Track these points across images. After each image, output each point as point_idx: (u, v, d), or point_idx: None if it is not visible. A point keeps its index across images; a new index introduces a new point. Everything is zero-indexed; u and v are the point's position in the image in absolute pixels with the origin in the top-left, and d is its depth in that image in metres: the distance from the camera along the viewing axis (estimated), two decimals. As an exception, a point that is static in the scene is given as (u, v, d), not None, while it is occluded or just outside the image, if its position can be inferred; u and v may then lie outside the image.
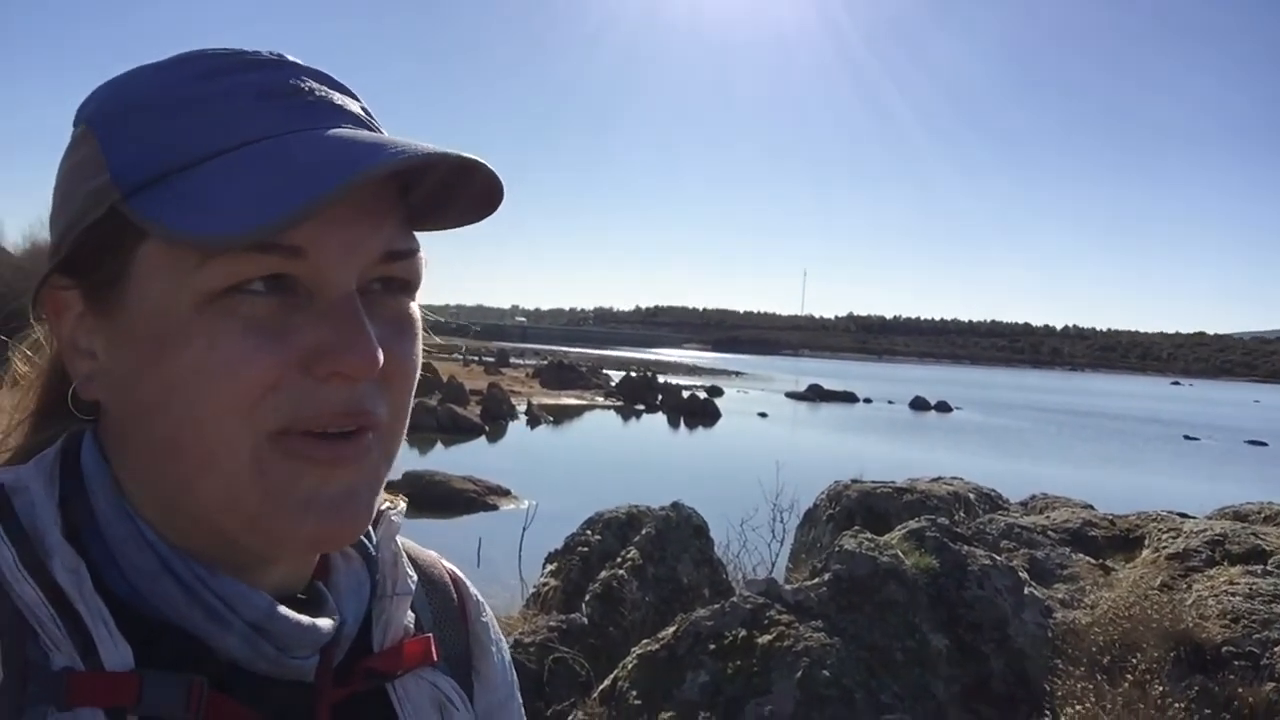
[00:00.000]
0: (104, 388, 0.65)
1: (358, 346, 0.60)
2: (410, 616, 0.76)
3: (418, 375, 0.68)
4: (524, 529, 8.33)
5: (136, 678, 0.59)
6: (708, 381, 56.08)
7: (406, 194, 0.66)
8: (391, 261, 0.64)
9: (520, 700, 0.89)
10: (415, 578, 0.78)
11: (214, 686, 0.61)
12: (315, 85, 0.66)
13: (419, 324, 0.68)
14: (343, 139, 0.61)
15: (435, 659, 0.76)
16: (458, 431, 25.70)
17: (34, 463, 0.66)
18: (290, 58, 0.67)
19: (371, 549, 0.75)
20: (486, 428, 27.76)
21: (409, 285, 0.66)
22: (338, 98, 0.66)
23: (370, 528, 0.75)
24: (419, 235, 0.68)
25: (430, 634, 0.77)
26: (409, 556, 0.80)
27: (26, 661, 0.58)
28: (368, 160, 0.57)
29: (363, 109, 0.68)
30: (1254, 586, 5.11)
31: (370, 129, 0.66)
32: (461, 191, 0.65)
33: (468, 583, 0.89)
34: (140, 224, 0.59)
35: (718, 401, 39.53)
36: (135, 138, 0.62)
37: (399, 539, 0.78)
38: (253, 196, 0.56)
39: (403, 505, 0.79)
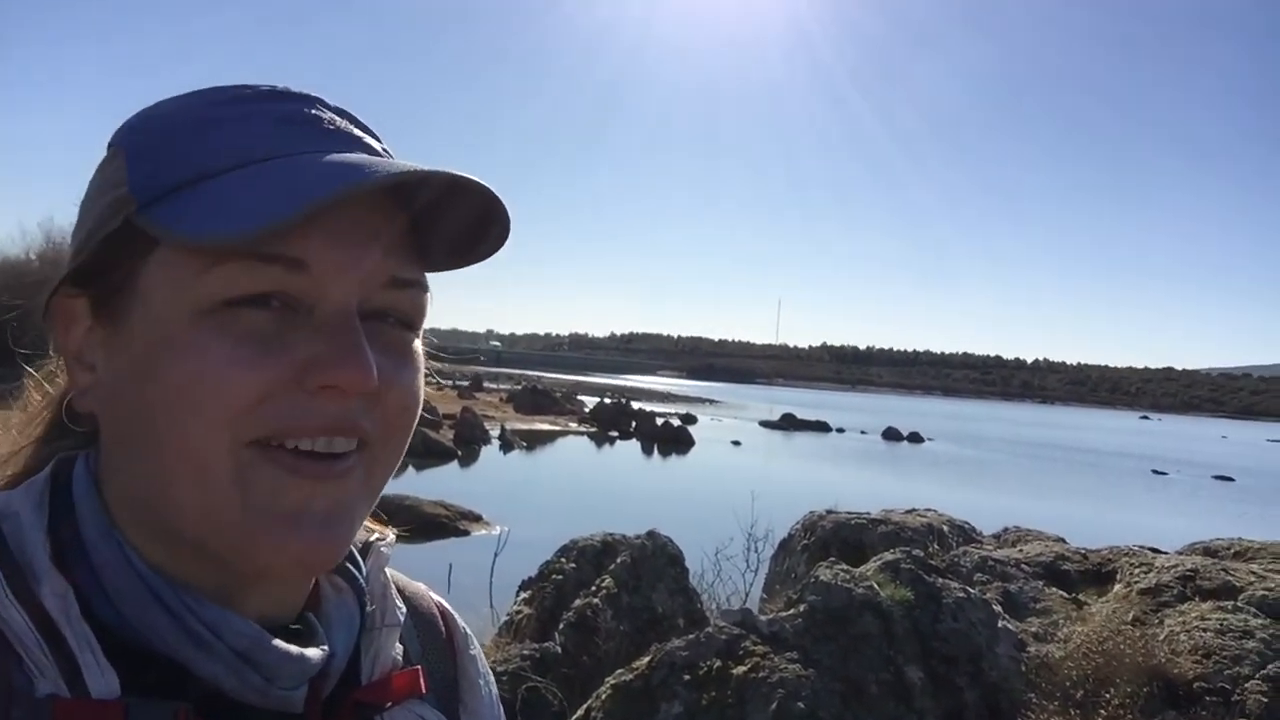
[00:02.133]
0: (98, 399, 0.66)
1: (351, 360, 0.60)
2: (399, 648, 0.76)
3: (418, 410, 0.68)
4: (495, 555, 8.26)
5: (122, 705, 0.58)
6: (682, 409, 56.14)
7: (418, 229, 0.67)
8: (396, 290, 0.65)
9: None
10: (404, 610, 0.77)
11: (200, 716, 0.60)
12: (335, 117, 0.68)
13: (420, 360, 0.68)
14: (350, 157, 0.62)
15: (424, 691, 0.76)
16: (430, 455, 25.51)
17: (24, 488, 0.66)
18: (317, 95, 0.69)
19: (361, 580, 0.75)
20: (459, 452, 27.57)
21: (410, 321, 0.67)
22: (357, 131, 0.68)
23: (360, 558, 0.76)
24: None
25: (419, 666, 0.77)
26: (397, 588, 0.80)
27: (11, 688, 0.57)
28: (370, 171, 0.58)
29: (383, 148, 0.69)
30: (1225, 622, 5.15)
31: None
32: (468, 224, 0.66)
33: (456, 616, 0.88)
34: (149, 231, 0.60)
35: (692, 429, 39.50)
36: (155, 153, 0.63)
37: (388, 570, 0.78)
38: (254, 204, 0.57)
39: (391, 537, 0.79)
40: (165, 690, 0.60)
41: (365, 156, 0.63)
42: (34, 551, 0.61)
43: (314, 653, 0.66)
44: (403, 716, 0.74)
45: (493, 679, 0.88)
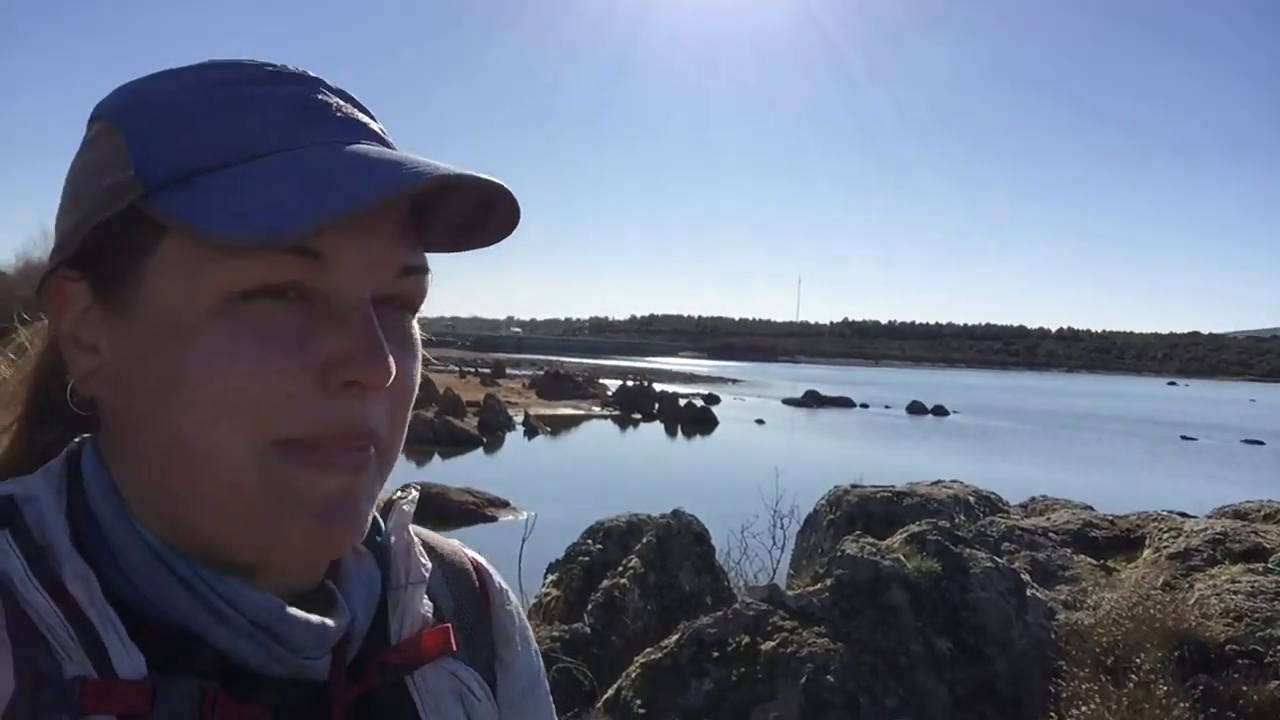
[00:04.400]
0: (105, 383, 0.65)
1: (374, 357, 0.60)
2: (429, 605, 0.75)
3: (416, 394, 0.68)
4: (523, 540, 8.29)
5: (149, 685, 0.58)
6: (704, 389, 56.06)
7: (421, 213, 0.66)
8: (405, 277, 0.65)
9: (548, 687, 0.87)
10: (429, 565, 0.76)
11: (226, 690, 0.61)
12: (341, 102, 0.66)
13: (419, 342, 0.69)
14: (371, 154, 0.61)
15: (455, 648, 0.75)
16: (455, 443, 25.66)
17: (41, 473, 0.66)
18: (312, 74, 0.67)
19: (382, 539, 0.75)
20: (484, 439, 27.72)
21: (413, 304, 0.67)
22: (361, 116, 0.67)
23: (380, 519, 0.76)
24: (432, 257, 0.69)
25: (449, 623, 0.76)
26: (429, 545, 0.80)
27: (39, 671, 0.57)
28: (397, 176, 0.58)
29: (381, 130, 0.69)
30: (1256, 584, 5.12)
31: (389, 147, 0.67)
32: (476, 214, 0.66)
33: (491, 570, 0.87)
34: (164, 221, 0.59)
35: (715, 409, 39.49)
36: (162, 136, 0.61)
37: (414, 529, 0.78)
38: (281, 202, 0.56)
39: (415, 494, 0.78)
40: (190, 668, 0.60)
41: (382, 150, 0.63)
42: (55, 535, 0.62)
43: (334, 620, 0.66)
44: (434, 675, 0.74)
45: (531, 634, 0.87)
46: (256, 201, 0.57)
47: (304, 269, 0.59)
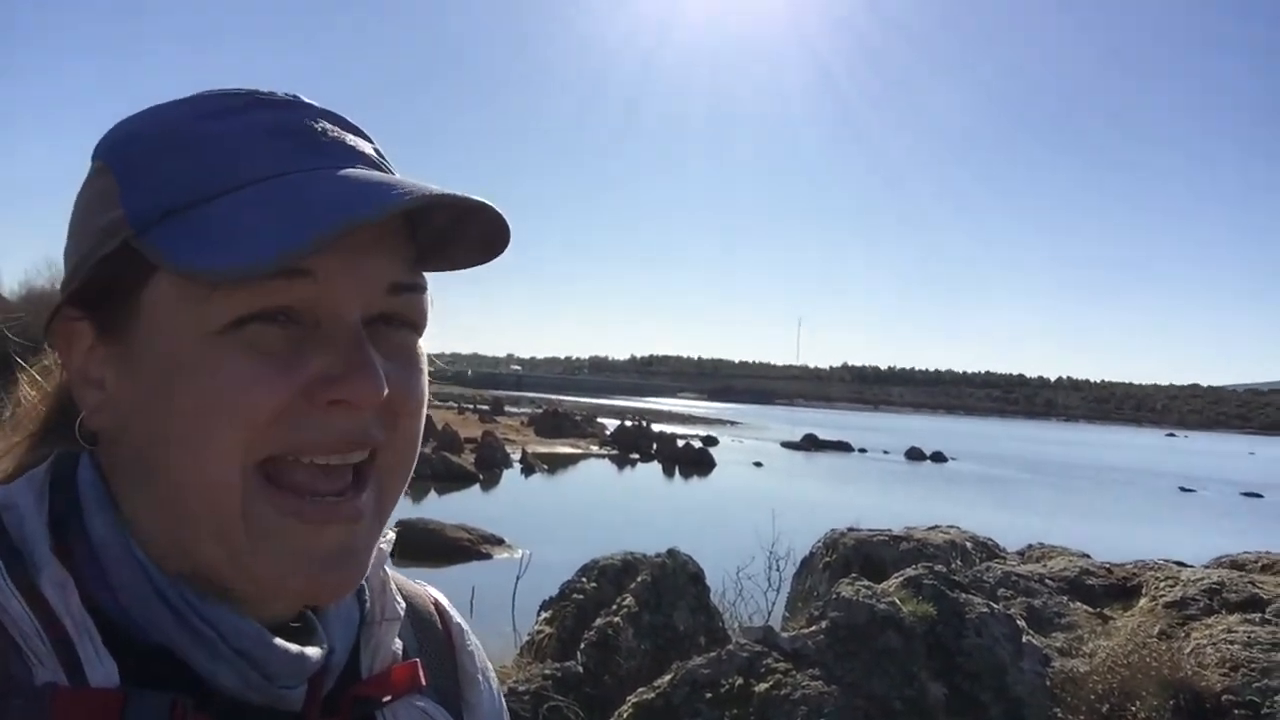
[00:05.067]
0: (110, 418, 0.65)
1: (362, 374, 0.61)
2: (398, 643, 0.76)
3: (425, 409, 0.68)
4: (518, 578, 8.25)
5: (120, 695, 0.58)
6: (703, 431, 56.00)
7: (415, 232, 0.67)
8: (396, 295, 0.65)
9: None
10: (403, 604, 0.77)
11: (199, 710, 0.61)
12: (328, 126, 0.67)
13: (424, 359, 0.69)
14: (351, 178, 0.62)
15: (424, 684, 0.76)
16: (452, 479, 25.58)
17: (24, 480, 0.66)
18: (304, 99, 0.68)
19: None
20: (481, 476, 27.66)
21: (414, 323, 0.67)
22: (350, 139, 0.68)
23: None
24: (431, 276, 0.69)
25: (417, 659, 0.77)
26: (394, 584, 0.81)
27: (10, 676, 0.57)
28: (374, 200, 0.59)
29: (375, 150, 0.69)
30: (1252, 635, 5.09)
31: (382, 169, 0.67)
32: (469, 232, 0.66)
33: (451, 610, 0.88)
34: (151, 258, 0.60)
35: (713, 451, 39.46)
36: (148, 173, 0.63)
37: (387, 567, 0.78)
38: (260, 232, 0.57)
39: (391, 535, 0.78)
40: (164, 684, 0.60)
41: (366, 173, 0.63)
42: (35, 542, 0.62)
43: (314, 651, 0.67)
44: (404, 710, 0.74)
45: (492, 672, 0.88)
46: (236, 234, 0.58)
47: (291, 293, 0.60)
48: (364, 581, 0.75)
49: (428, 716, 0.76)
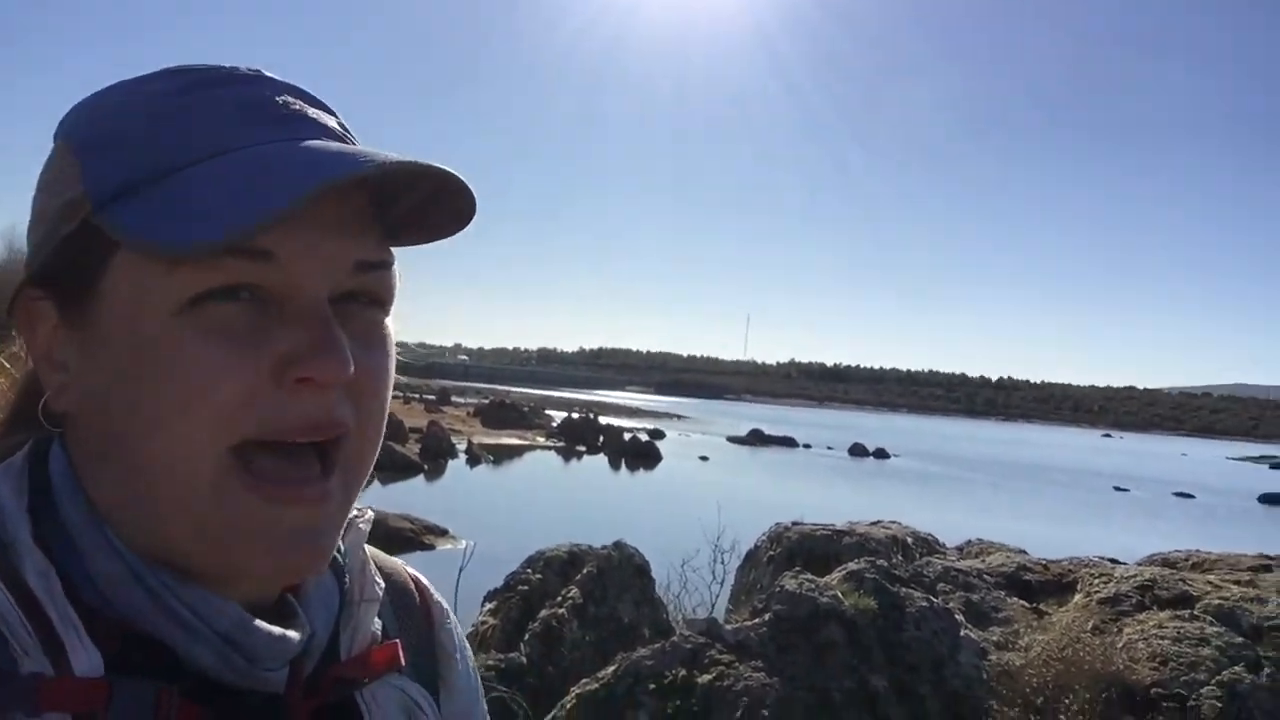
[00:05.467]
0: (74, 400, 0.65)
1: (329, 352, 0.60)
2: (377, 624, 0.76)
3: (391, 388, 0.68)
4: (461, 568, 8.21)
5: (106, 684, 0.58)
6: (650, 424, 56.06)
7: (381, 207, 0.66)
8: (363, 273, 0.64)
9: (485, 707, 0.89)
10: (382, 584, 0.77)
11: (183, 696, 0.60)
12: (291, 99, 0.66)
13: (392, 338, 0.68)
14: (313, 149, 0.61)
15: (403, 665, 0.76)
16: (395, 469, 25.30)
17: (1, 469, 0.65)
18: (268, 73, 0.68)
19: (339, 557, 0.75)
20: (425, 466, 27.39)
21: (381, 300, 0.67)
22: (313, 112, 0.67)
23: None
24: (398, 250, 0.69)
25: (397, 640, 0.77)
26: (374, 564, 0.80)
27: None
28: (335, 168, 0.58)
29: (339, 124, 0.69)
30: (1182, 630, 5.23)
31: (346, 142, 0.67)
32: (435, 204, 0.66)
33: (431, 589, 0.88)
34: (110, 234, 0.60)
35: (659, 444, 39.48)
36: (108, 150, 0.62)
37: (366, 546, 0.78)
38: (218, 205, 0.57)
39: (370, 514, 0.79)
40: (148, 671, 0.60)
41: (325, 144, 0.63)
42: (16, 531, 0.61)
43: (295, 634, 0.66)
44: (383, 691, 0.74)
45: (470, 652, 0.88)
46: (192, 208, 0.57)
47: (253, 269, 0.59)
48: (344, 562, 0.75)
49: (405, 695, 0.76)
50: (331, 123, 0.68)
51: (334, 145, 0.63)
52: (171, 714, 0.59)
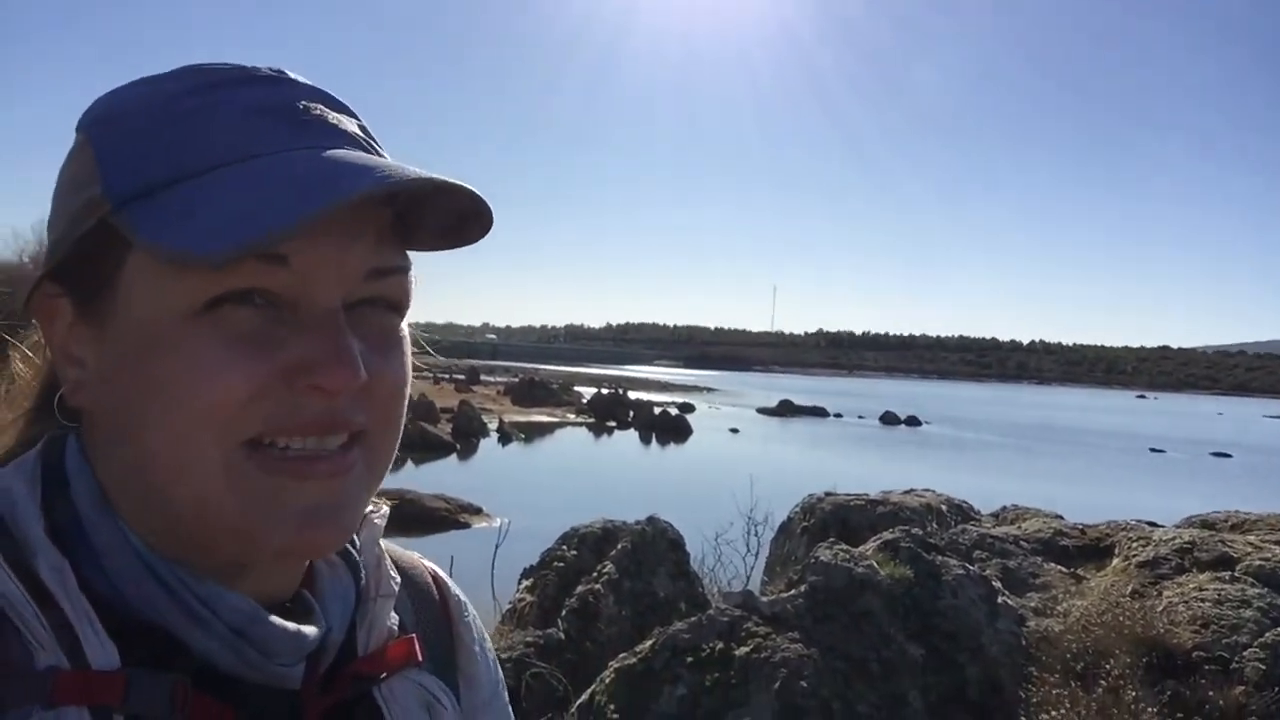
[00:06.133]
0: (90, 395, 0.65)
1: (340, 361, 0.60)
2: (394, 618, 0.76)
3: (407, 392, 0.68)
4: (497, 546, 8.28)
5: (122, 677, 0.58)
6: (679, 398, 56.03)
7: (399, 214, 0.66)
8: (378, 279, 0.64)
9: (506, 699, 0.89)
10: (398, 579, 0.78)
11: (198, 690, 0.61)
12: (311, 104, 0.66)
13: (407, 342, 0.68)
14: (331, 160, 0.61)
15: (420, 659, 0.76)
16: (428, 450, 25.51)
17: (16, 464, 0.66)
18: (290, 74, 0.67)
19: (355, 553, 0.75)
20: (458, 445, 27.60)
21: (397, 304, 0.67)
22: (333, 117, 0.67)
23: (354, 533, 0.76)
24: (414, 254, 0.68)
25: (414, 634, 0.77)
26: (391, 559, 0.80)
27: (9, 660, 0.57)
28: (351, 184, 0.58)
29: (360, 128, 0.68)
30: (1222, 593, 5.18)
31: (367, 149, 0.66)
32: (452, 215, 0.66)
33: (450, 582, 0.88)
34: (127, 235, 0.60)
35: (689, 418, 39.52)
36: (128, 150, 0.62)
37: (382, 541, 0.78)
38: (232, 216, 0.57)
39: (386, 509, 0.79)
40: (162, 664, 0.60)
41: (346, 154, 0.62)
42: (29, 526, 0.62)
43: (311, 629, 0.67)
44: (401, 685, 0.74)
45: (489, 644, 0.88)
46: (207, 217, 0.57)
47: (268, 274, 0.59)
48: (359, 558, 0.75)
49: (424, 690, 0.76)
50: (352, 127, 0.67)
51: (353, 155, 0.62)
52: (187, 707, 0.60)
